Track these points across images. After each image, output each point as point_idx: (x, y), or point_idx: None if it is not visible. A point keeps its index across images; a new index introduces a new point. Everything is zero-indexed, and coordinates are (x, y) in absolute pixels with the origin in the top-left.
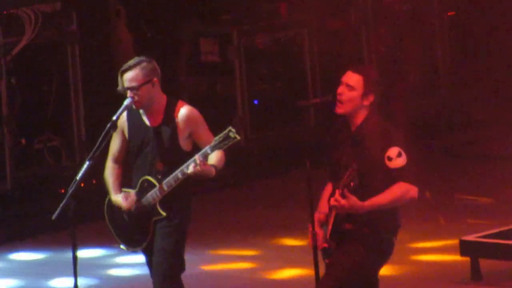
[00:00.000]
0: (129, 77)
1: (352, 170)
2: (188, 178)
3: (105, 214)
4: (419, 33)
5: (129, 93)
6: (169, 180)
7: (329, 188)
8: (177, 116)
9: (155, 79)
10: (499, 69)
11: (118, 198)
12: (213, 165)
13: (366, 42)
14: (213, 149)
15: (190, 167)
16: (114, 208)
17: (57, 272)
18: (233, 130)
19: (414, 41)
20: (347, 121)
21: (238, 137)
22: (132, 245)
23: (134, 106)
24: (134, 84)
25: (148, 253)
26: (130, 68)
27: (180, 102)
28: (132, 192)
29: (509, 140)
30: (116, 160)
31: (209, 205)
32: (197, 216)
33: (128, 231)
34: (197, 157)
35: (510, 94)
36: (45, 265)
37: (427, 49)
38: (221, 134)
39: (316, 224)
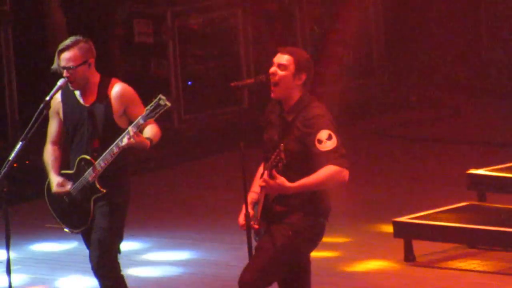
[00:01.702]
0: (66, 57)
1: (279, 151)
2: (124, 151)
3: (46, 197)
4: (353, 15)
5: (65, 73)
6: (105, 155)
7: (262, 168)
8: (110, 93)
9: (91, 59)
10: (433, 51)
11: (53, 180)
12: (148, 138)
13: (299, 23)
14: (145, 118)
15: (124, 139)
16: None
17: None
18: (163, 97)
19: (348, 22)
20: (280, 102)
21: (169, 104)
22: (75, 227)
23: (70, 86)
24: (71, 64)
25: (87, 233)
26: (67, 48)
27: (113, 80)
28: (66, 181)
29: (445, 122)
30: (55, 142)
31: (143, 187)
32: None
33: (69, 212)
34: (130, 128)
35: (444, 76)
36: None
37: (362, 31)
38: (152, 103)
39: (249, 204)
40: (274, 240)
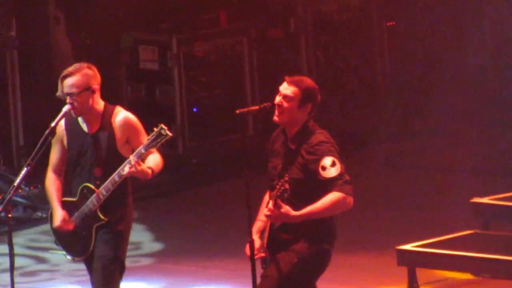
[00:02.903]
0: (69, 83)
1: (283, 182)
2: (125, 181)
3: (50, 225)
4: (358, 43)
5: (68, 99)
6: (107, 184)
7: (267, 196)
8: (113, 121)
9: (95, 86)
10: (437, 80)
11: (58, 214)
12: (150, 167)
13: (305, 51)
14: (146, 148)
15: (125, 168)
16: None
17: None
18: (164, 127)
19: (353, 51)
20: (283, 130)
21: (170, 134)
22: (77, 255)
23: (73, 113)
24: (74, 90)
25: (89, 261)
26: (70, 74)
27: (117, 108)
28: (68, 216)
29: (447, 151)
30: (56, 170)
31: (147, 213)
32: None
33: (71, 240)
34: (132, 157)
35: (449, 105)
36: None
37: (366, 59)
38: (153, 133)
39: (255, 232)
40: (280, 268)
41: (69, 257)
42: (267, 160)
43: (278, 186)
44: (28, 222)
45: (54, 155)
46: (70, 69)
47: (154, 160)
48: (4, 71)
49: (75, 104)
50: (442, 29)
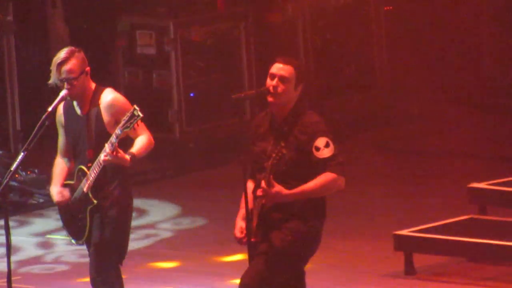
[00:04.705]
0: (67, 69)
1: (280, 148)
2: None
3: (58, 207)
4: (355, 27)
5: (66, 85)
6: (94, 166)
7: (250, 185)
8: (101, 103)
9: (87, 68)
10: (435, 65)
11: (53, 191)
12: (130, 153)
13: (302, 35)
14: (121, 129)
15: (101, 155)
16: None
17: None
18: (137, 108)
19: (350, 35)
20: (270, 114)
21: (141, 114)
22: (78, 238)
23: (69, 98)
24: (72, 75)
25: (88, 245)
26: (66, 59)
27: (106, 90)
28: (66, 190)
29: (445, 135)
30: (65, 154)
31: (143, 198)
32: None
33: (72, 223)
34: (107, 145)
35: (445, 90)
36: None
37: (364, 44)
38: (128, 113)
39: (239, 219)
40: (274, 245)
41: (73, 241)
42: (250, 147)
43: (274, 155)
44: (24, 207)
45: (60, 140)
46: (63, 55)
47: (138, 143)
48: (1, 55)
49: (73, 88)
50: (440, 14)
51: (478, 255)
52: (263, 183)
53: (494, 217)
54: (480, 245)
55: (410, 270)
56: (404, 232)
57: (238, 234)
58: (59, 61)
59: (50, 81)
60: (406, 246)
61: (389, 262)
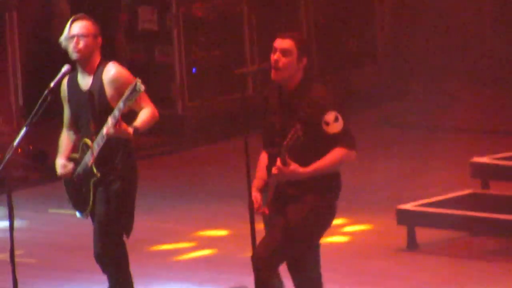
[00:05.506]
0: (81, 25)
1: (296, 129)
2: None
3: (63, 180)
4: (357, 3)
5: (75, 41)
6: (98, 139)
7: (264, 156)
8: (104, 77)
9: (99, 38)
10: (437, 39)
11: (58, 163)
12: (133, 126)
13: (304, 11)
14: (124, 103)
15: (104, 129)
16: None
17: None
18: (139, 81)
19: (352, 11)
20: (279, 87)
21: (143, 87)
22: (81, 210)
23: (75, 54)
24: (84, 31)
25: (93, 218)
26: (82, 18)
27: (109, 64)
28: (70, 164)
29: (447, 110)
30: (69, 128)
31: (146, 174)
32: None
33: (77, 197)
34: (110, 118)
35: (448, 64)
36: None
37: (366, 19)
38: (130, 87)
39: (256, 190)
40: (289, 218)
41: (78, 214)
42: (261, 119)
43: (290, 136)
44: (27, 182)
45: (65, 113)
46: (80, 15)
47: (141, 116)
48: (3, 32)
49: (81, 44)
50: None
51: (481, 230)
52: (278, 161)
53: (496, 191)
54: (482, 220)
55: (412, 244)
56: (407, 206)
57: (254, 204)
58: (75, 17)
59: (60, 39)
60: (409, 220)
61: (391, 236)
